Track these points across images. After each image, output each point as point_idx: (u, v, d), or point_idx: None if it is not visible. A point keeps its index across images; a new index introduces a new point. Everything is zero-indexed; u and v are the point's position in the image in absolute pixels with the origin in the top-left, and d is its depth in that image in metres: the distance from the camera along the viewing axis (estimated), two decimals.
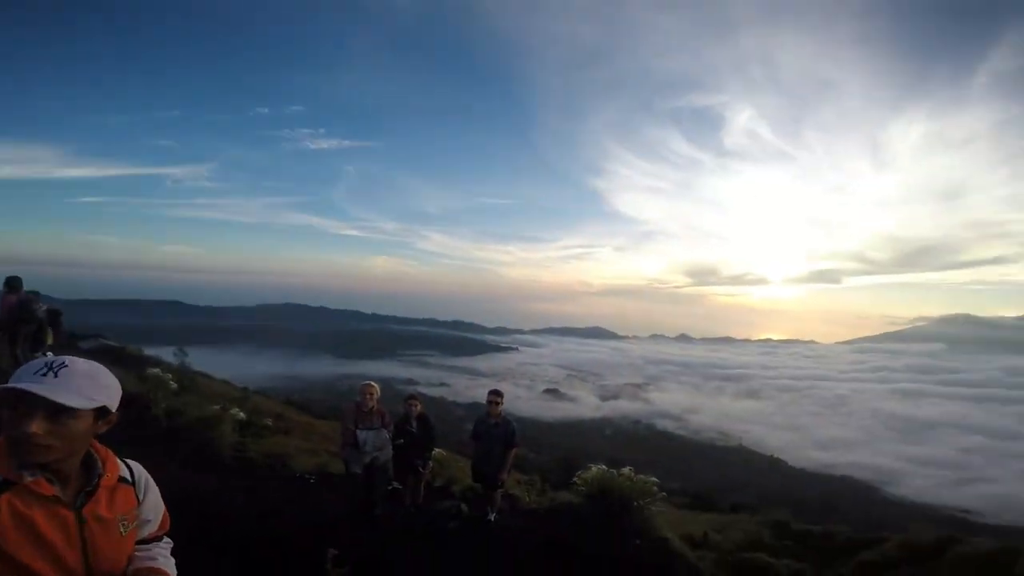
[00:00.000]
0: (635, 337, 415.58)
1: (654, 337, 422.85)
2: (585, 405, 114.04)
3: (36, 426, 1.20)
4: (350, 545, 4.42)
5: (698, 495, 20.97)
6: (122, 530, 1.40)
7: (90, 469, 1.38)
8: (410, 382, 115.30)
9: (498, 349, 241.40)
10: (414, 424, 6.46)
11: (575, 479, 7.24)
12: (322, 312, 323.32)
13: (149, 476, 1.52)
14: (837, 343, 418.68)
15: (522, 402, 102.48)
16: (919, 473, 69.03)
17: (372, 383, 6.16)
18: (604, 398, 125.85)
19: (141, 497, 1.48)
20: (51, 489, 1.27)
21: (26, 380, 1.24)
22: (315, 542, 4.32)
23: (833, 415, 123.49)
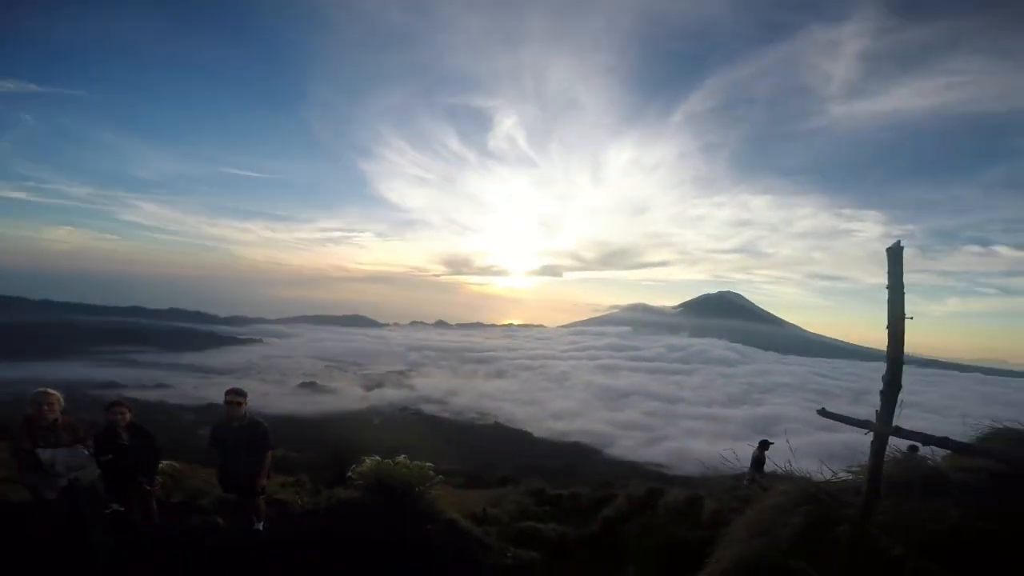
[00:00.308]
0: (396, 324, 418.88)
1: (414, 324, 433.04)
2: (349, 396, 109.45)
3: None
4: None
5: (469, 474, 22.40)
6: None
7: None
8: (112, 385, 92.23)
9: (235, 341, 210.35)
10: (124, 435, 5.49)
11: (350, 474, 7.08)
12: None
13: None
14: (559, 327, 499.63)
15: (273, 399, 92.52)
16: (624, 435, 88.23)
17: (50, 391, 5.10)
18: (368, 388, 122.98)
19: None
20: None
21: None
22: None
23: (560, 389, 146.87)
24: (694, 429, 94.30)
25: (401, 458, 6.99)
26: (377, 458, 6.99)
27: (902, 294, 2.95)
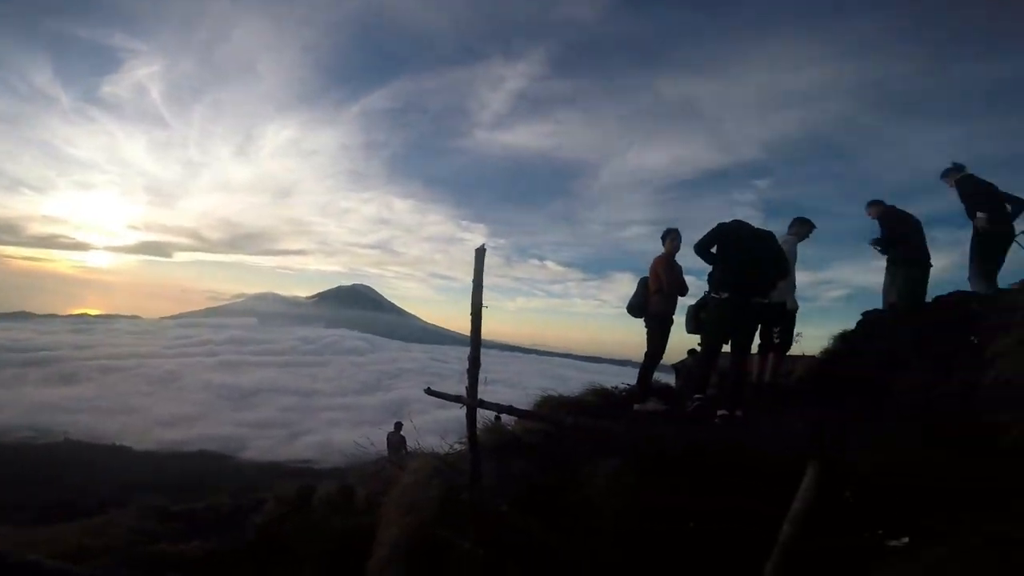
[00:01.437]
0: None
1: None
2: None
3: None
4: None
5: (42, 506, 17.37)
6: None
7: None
8: None
9: None
10: None
11: None
12: None
13: None
14: (163, 317, 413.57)
15: None
16: (258, 435, 79.36)
17: None
18: None
19: None
20: None
21: None
22: None
23: (166, 392, 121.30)
24: (334, 420, 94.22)
25: None
26: None
27: (481, 288, 3.58)
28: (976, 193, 6.12)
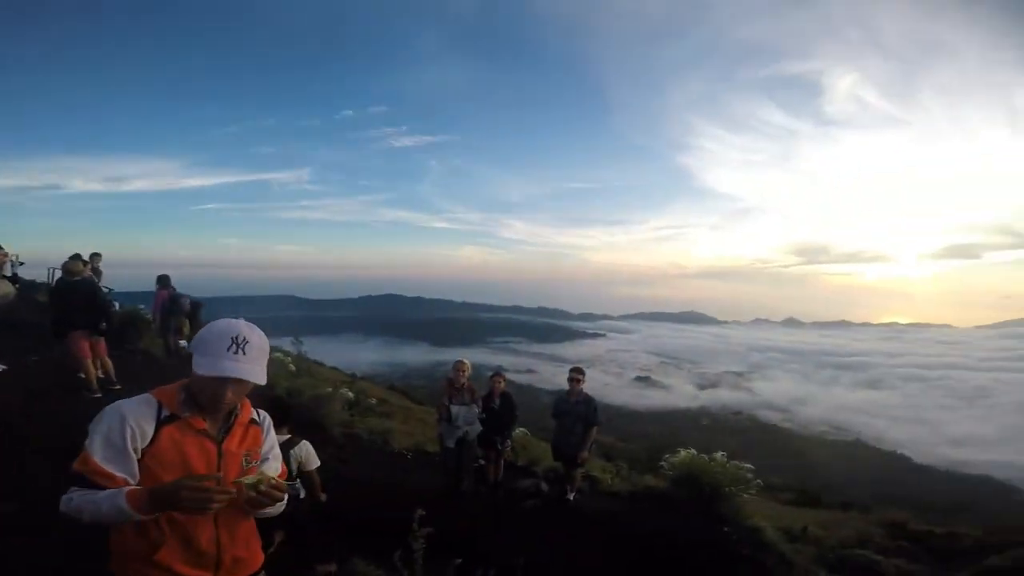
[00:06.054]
0: (736, 322, 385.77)
1: (757, 322, 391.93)
2: (680, 394, 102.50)
3: (232, 394, 1.46)
4: (437, 515, 3.37)
5: (805, 491, 18.68)
6: (244, 463, 1.57)
7: (231, 410, 1.57)
8: (499, 370, 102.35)
9: (584, 335, 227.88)
10: (497, 401, 6.28)
11: (662, 463, 7.05)
12: (419, 302, 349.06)
13: (272, 423, 1.74)
14: (977, 327, 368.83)
15: (611, 389, 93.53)
16: None
17: (464, 360, 6.24)
18: (701, 387, 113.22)
19: (264, 436, 1.67)
20: (203, 424, 1.49)
21: (227, 359, 1.40)
22: (403, 508, 3.55)
23: (971, 408, 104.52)
24: None
25: (718, 455, 6.58)
26: (692, 451, 6.75)
27: None
28: None
